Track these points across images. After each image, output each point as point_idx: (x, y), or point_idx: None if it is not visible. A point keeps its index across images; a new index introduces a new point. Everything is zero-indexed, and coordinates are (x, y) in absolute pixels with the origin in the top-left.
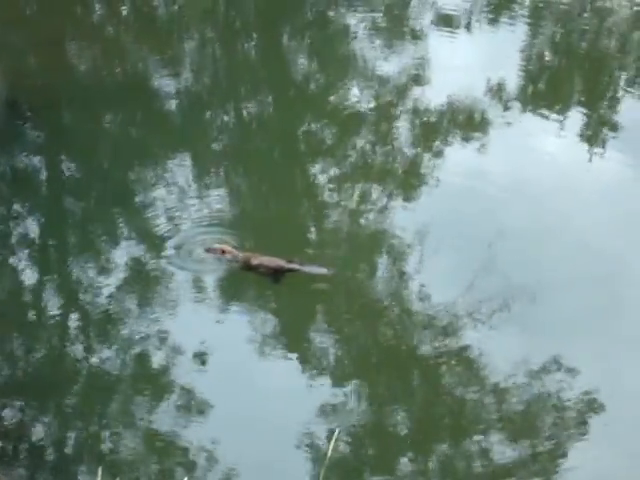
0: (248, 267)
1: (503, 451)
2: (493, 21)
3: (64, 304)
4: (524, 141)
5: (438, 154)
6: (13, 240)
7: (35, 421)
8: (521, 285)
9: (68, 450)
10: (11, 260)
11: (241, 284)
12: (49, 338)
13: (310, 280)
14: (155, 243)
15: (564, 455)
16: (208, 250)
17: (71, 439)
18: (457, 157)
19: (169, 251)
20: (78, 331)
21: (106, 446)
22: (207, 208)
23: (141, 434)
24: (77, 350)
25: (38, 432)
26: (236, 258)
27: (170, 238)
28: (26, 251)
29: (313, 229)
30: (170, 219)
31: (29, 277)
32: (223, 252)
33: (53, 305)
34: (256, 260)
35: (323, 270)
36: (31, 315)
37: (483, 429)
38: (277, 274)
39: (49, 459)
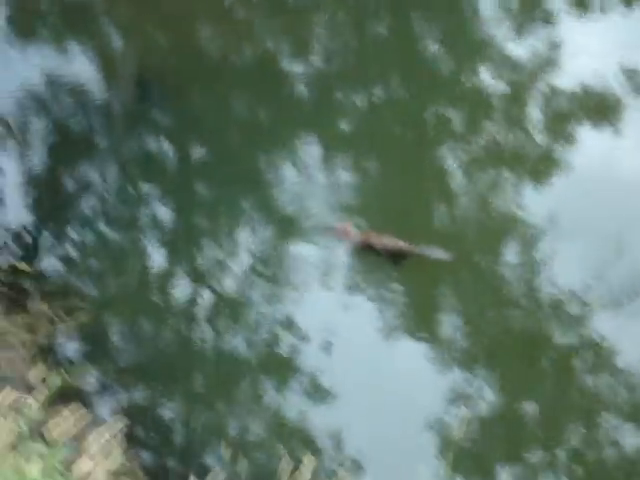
0: (369, 247)
1: (637, 443)
2: (627, 3)
3: (192, 287)
4: None
5: (570, 139)
6: (142, 222)
7: (162, 404)
8: None
9: (195, 433)
10: (140, 242)
11: (366, 266)
12: (177, 321)
13: (434, 265)
14: (282, 225)
15: None
16: (330, 229)
17: (198, 422)
18: (590, 143)
19: (296, 233)
20: (205, 314)
21: (233, 429)
22: (334, 189)
23: (268, 417)
24: (204, 333)
25: (165, 415)
26: (357, 238)
27: (298, 220)
28: (155, 233)
29: (440, 213)
30: (297, 200)
31: (158, 260)
32: (345, 232)
33: (181, 288)
34: (377, 241)
35: (444, 255)
36: (159, 298)
37: (616, 420)
38: (398, 256)
39: (176, 441)
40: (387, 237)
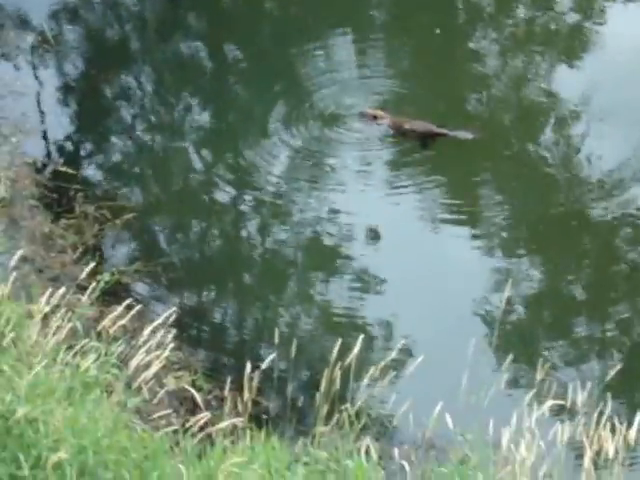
0: (399, 131)
1: None
2: None
3: (235, 186)
4: None
5: (601, 17)
6: (181, 126)
7: (213, 301)
8: None
9: (247, 327)
10: (180, 146)
11: (400, 151)
12: (223, 222)
13: (468, 146)
14: (319, 116)
15: None
16: (361, 115)
17: (249, 316)
18: (621, 19)
19: (332, 122)
20: (250, 212)
21: (284, 321)
22: (367, 77)
23: (318, 308)
24: (250, 231)
25: (217, 311)
26: (388, 122)
27: (333, 110)
28: (194, 136)
29: (472, 96)
30: (332, 91)
31: (199, 162)
32: (375, 117)
33: (224, 189)
34: (407, 124)
35: (470, 135)
36: (204, 200)
37: None
38: (426, 138)
39: (229, 339)
40: (416, 120)
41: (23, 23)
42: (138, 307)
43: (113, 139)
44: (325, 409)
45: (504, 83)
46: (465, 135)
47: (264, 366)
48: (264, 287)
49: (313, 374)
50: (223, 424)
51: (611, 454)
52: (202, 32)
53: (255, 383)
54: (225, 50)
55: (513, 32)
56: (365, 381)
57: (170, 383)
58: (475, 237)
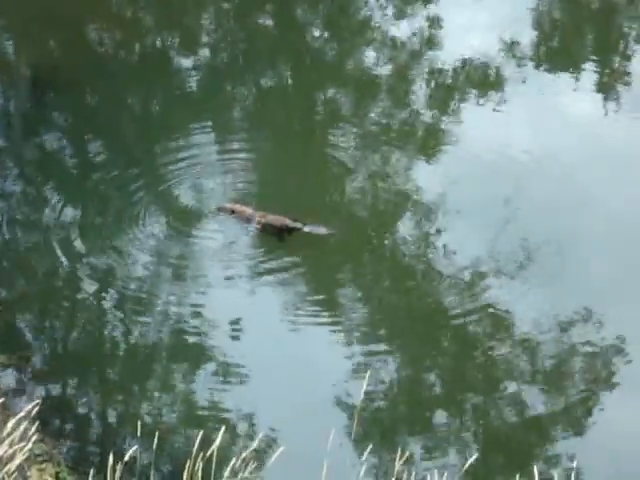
0: (257, 225)
1: (535, 403)
2: None
3: (98, 282)
4: (539, 99)
5: (456, 115)
6: (45, 221)
7: (78, 395)
8: (544, 241)
9: (111, 421)
10: (45, 241)
11: (262, 250)
12: (86, 316)
13: (317, 240)
14: (179, 212)
15: (595, 404)
16: (219, 209)
17: (113, 410)
18: (474, 117)
19: (192, 217)
20: (115, 307)
21: (148, 413)
22: (226, 172)
23: (181, 403)
24: (115, 325)
25: (81, 405)
26: (245, 216)
27: (194, 205)
28: (58, 232)
29: (331, 192)
30: (193, 186)
31: (63, 257)
32: (233, 211)
33: (88, 284)
34: (264, 218)
35: (325, 230)
36: (67, 294)
37: (515, 382)
38: (282, 232)
39: (93, 430)
40: (272, 215)
41: None
42: (1, 399)
43: None
44: None
45: (363, 178)
46: (320, 230)
47: (127, 457)
48: (127, 379)
49: (175, 465)
50: None
51: None
52: (66, 128)
53: (118, 474)
54: (89, 146)
55: (372, 128)
56: (227, 472)
57: (34, 475)
58: (335, 329)
